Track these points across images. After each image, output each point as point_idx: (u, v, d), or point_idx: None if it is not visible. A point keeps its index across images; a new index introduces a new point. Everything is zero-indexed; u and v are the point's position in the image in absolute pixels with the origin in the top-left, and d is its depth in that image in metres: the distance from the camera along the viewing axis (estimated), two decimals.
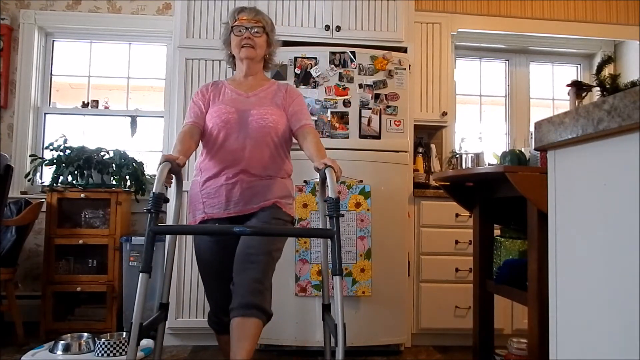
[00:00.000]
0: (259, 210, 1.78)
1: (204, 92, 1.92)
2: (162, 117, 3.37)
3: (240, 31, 1.85)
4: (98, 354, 2.30)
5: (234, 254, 1.76)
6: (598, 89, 2.28)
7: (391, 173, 2.66)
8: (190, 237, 2.68)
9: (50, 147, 2.93)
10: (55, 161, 2.88)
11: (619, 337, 0.62)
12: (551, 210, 0.81)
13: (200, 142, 1.88)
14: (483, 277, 2.04)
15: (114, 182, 3.00)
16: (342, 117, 2.65)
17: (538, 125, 0.81)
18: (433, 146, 3.31)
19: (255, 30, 1.86)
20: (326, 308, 1.84)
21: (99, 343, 2.33)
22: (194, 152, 1.87)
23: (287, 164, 1.91)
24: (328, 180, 1.58)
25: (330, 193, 1.56)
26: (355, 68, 2.68)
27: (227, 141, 1.79)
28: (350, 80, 2.67)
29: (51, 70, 3.42)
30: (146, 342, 2.44)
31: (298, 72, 2.65)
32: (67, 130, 3.20)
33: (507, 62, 3.68)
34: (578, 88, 2.29)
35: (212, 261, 1.81)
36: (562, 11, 3.49)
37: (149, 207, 1.47)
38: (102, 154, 2.97)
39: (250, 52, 1.86)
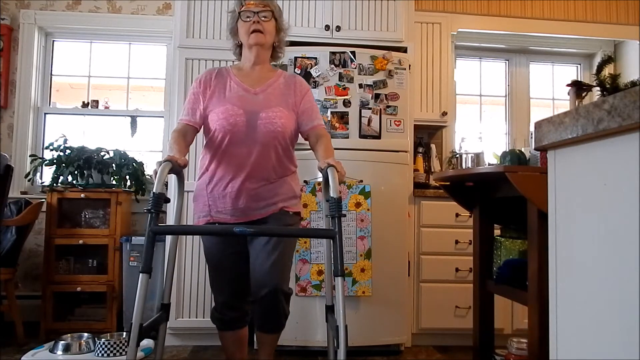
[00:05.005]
0: (267, 217, 1.77)
1: (207, 81, 1.81)
2: (162, 117, 3.38)
3: (248, 17, 1.77)
4: (98, 354, 2.30)
5: (244, 254, 1.76)
6: (598, 89, 2.27)
7: (391, 173, 2.66)
8: (190, 237, 2.68)
9: (50, 147, 2.93)
10: (55, 161, 2.88)
11: (619, 337, 0.62)
12: (551, 210, 0.81)
13: (204, 140, 1.84)
14: (483, 277, 2.04)
15: (114, 182, 3.00)
16: (342, 117, 2.65)
17: (538, 125, 0.81)
18: (433, 146, 3.31)
19: (264, 15, 1.78)
20: (329, 309, 1.82)
21: (99, 343, 2.33)
22: (193, 152, 1.86)
23: (293, 160, 1.89)
24: (330, 180, 1.56)
25: (332, 193, 1.55)
26: (355, 68, 2.67)
27: (232, 145, 1.74)
28: (350, 80, 2.67)
29: (51, 70, 3.42)
30: (146, 342, 2.43)
31: (298, 72, 2.65)
32: (67, 130, 3.20)
33: (507, 62, 3.68)
34: (578, 88, 2.29)
35: (222, 260, 1.80)
36: (562, 11, 3.49)
37: (149, 207, 1.46)
38: (102, 154, 2.97)
39: (260, 38, 1.78)
